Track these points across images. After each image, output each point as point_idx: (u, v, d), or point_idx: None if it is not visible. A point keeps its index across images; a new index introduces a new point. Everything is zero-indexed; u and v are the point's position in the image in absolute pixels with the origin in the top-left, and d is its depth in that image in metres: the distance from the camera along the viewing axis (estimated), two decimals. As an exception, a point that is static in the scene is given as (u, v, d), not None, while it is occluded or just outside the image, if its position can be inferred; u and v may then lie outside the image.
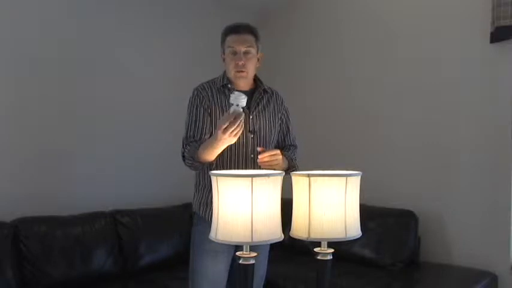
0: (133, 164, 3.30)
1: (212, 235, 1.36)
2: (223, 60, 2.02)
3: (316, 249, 1.49)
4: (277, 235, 1.36)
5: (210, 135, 1.90)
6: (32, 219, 2.60)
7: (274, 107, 2.09)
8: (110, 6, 3.21)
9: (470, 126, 2.93)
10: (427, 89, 3.13)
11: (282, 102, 2.14)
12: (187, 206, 3.06)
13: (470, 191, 2.92)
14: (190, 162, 1.91)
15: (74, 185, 3.02)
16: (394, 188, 3.25)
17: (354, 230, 1.46)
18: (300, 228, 1.46)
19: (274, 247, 1.75)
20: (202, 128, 1.96)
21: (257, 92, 2.04)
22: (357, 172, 1.48)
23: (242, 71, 1.95)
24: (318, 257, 1.48)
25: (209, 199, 1.97)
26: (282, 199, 1.38)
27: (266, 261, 2.12)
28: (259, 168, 1.86)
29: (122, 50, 3.27)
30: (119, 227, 2.92)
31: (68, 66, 3.01)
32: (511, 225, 2.79)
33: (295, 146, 2.18)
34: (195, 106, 1.99)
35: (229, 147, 1.93)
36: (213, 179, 1.36)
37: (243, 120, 1.71)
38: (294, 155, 2.14)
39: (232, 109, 1.71)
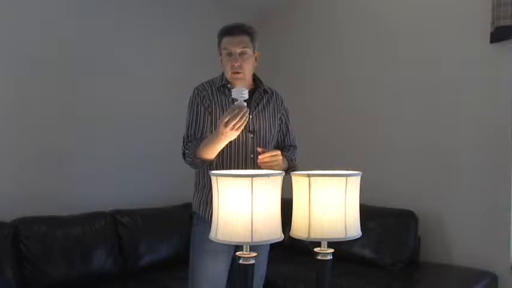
0: (133, 164, 3.30)
1: (212, 235, 1.36)
2: (221, 61, 2.02)
3: (316, 249, 1.48)
4: (277, 235, 1.36)
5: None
6: (32, 219, 2.60)
7: (274, 107, 2.09)
8: (110, 6, 3.21)
9: (470, 126, 2.93)
10: (427, 89, 3.13)
11: (281, 103, 2.14)
12: (187, 206, 3.06)
13: (470, 191, 2.92)
14: (190, 160, 1.91)
15: (74, 185, 3.02)
16: (394, 188, 3.25)
17: (354, 230, 1.46)
18: (300, 228, 1.46)
19: (274, 247, 1.75)
20: (203, 127, 1.96)
21: (257, 92, 2.04)
22: (357, 172, 1.48)
23: (238, 72, 1.95)
24: (318, 257, 1.48)
25: (209, 198, 1.97)
26: (282, 199, 1.38)
27: (266, 261, 2.12)
28: (259, 168, 1.86)
29: (122, 50, 3.27)
30: (119, 227, 2.92)
31: (68, 66, 3.01)
32: (511, 225, 2.79)
33: (294, 147, 2.18)
34: (195, 105, 1.99)
35: (229, 147, 1.93)
36: (213, 179, 1.36)
37: (247, 114, 1.70)
38: (294, 155, 2.14)
39: (235, 104, 1.71)
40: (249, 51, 1.96)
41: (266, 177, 1.32)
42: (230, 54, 1.95)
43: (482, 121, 2.89)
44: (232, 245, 1.81)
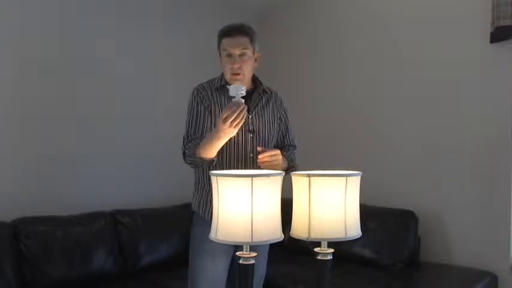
0: (133, 164, 3.30)
1: (212, 235, 1.37)
2: (221, 62, 2.02)
3: (316, 249, 1.49)
4: (277, 235, 1.36)
5: None
6: (32, 219, 2.60)
7: (273, 107, 2.09)
8: (110, 6, 3.21)
9: (470, 126, 2.93)
10: (427, 89, 3.13)
11: (281, 103, 2.15)
12: (187, 206, 3.04)
13: (470, 191, 2.92)
14: (190, 159, 1.91)
15: (74, 185, 3.02)
16: (394, 188, 3.25)
17: (354, 230, 1.46)
18: (300, 228, 1.46)
19: (274, 247, 1.75)
20: (203, 126, 1.96)
21: (256, 92, 2.05)
22: (357, 172, 1.48)
23: (238, 74, 1.95)
24: (318, 257, 1.48)
25: (208, 198, 1.97)
26: (282, 199, 1.38)
27: (266, 261, 2.12)
28: (259, 168, 1.86)
29: (122, 50, 3.27)
30: (119, 227, 2.92)
31: (68, 66, 3.01)
32: (511, 225, 2.79)
33: (294, 146, 2.18)
34: (195, 104, 2.00)
35: (229, 146, 1.93)
36: (213, 179, 1.36)
37: (245, 111, 1.69)
38: (294, 155, 2.15)
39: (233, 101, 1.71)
40: (249, 52, 1.96)
41: (266, 177, 1.32)
42: (230, 55, 1.95)
43: (482, 121, 2.88)
44: (232, 245, 1.81)
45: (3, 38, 2.73)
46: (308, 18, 3.85)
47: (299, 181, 1.47)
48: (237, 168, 1.95)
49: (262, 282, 2.14)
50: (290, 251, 3.11)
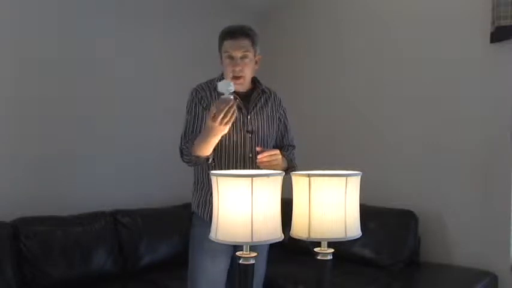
0: (134, 164, 3.30)
1: (212, 235, 1.37)
2: (221, 64, 2.02)
3: (316, 249, 1.49)
4: (277, 235, 1.36)
5: None
6: (32, 219, 2.61)
7: (272, 107, 2.10)
8: (110, 6, 3.21)
9: (470, 126, 2.93)
10: (427, 89, 3.13)
11: (280, 102, 2.15)
12: (187, 206, 3.03)
13: (470, 191, 2.92)
14: (187, 158, 1.91)
15: (74, 185, 3.02)
16: (394, 188, 3.25)
17: (354, 230, 1.46)
18: (300, 228, 1.46)
19: (274, 247, 1.75)
20: (200, 126, 1.96)
21: (255, 92, 2.05)
22: (357, 172, 1.48)
23: (239, 77, 1.95)
24: (318, 257, 1.48)
25: (207, 198, 1.98)
26: (282, 199, 1.38)
27: (265, 261, 2.12)
28: (258, 168, 1.86)
29: (122, 50, 3.27)
30: (119, 227, 2.92)
31: (68, 66, 3.01)
32: (511, 225, 2.79)
33: (293, 146, 2.18)
34: (193, 104, 2.00)
35: (228, 146, 1.94)
36: (213, 179, 1.36)
37: (235, 108, 1.67)
38: (293, 155, 2.15)
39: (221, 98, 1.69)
40: (250, 55, 1.97)
41: (266, 177, 1.32)
42: (231, 58, 1.95)
43: (482, 121, 2.88)
44: (231, 245, 1.81)
45: (3, 38, 2.73)
46: (308, 18, 3.85)
47: (299, 181, 1.47)
48: (236, 168, 1.95)
49: (262, 282, 2.13)
50: (290, 251, 3.11)
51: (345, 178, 1.43)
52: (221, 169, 1.93)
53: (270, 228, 1.33)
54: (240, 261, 1.36)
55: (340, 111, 3.60)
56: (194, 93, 2.02)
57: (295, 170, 1.76)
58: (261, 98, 2.07)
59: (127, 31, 3.30)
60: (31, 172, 2.83)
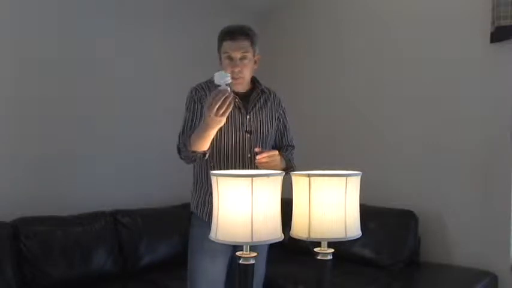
0: (134, 164, 3.30)
1: (212, 235, 1.36)
2: (221, 64, 2.02)
3: (316, 249, 1.49)
4: (277, 235, 1.36)
5: None
6: (32, 219, 2.61)
7: (271, 107, 2.10)
8: (110, 6, 3.21)
9: (470, 126, 2.93)
10: (427, 89, 3.13)
11: (279, 102, 2.15)
12: (187, 206, 3.03)
13: (470, 191, 2.92)
14: (184, 154, 1.90)
15: (74, 185, 3.02)
16: (394, 188, 3.25)
17: (354, 230, 1.46)
18: (300, 228, 1.46)
19: (274, 247, 1.75)
20: (199, 124, 1.95)
21: (254, 92, 2.05)
22: (357, 172, 1.48)
23: (239, 78, 1.95)
24: (318, 257, 1.48)
25: (206, 198, 1.98)
26: (282, 199, 1.38)
27: (265, 261, 2.12)
28: (257, 168, 1.86)
29: (122, 50, 3.27)
30: (119, 227, 2.92)
31: (68, 66, 3.01)
32: (511, 225, 2.79)
33: (292, 146, 2.18)
34: (192, 103, 2.00)
35: (226, 147, 1.94)
36: (213, 179, 1.36)
37: (231, 98, 1.65)
38: (292, 155, 2.15)
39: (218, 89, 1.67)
40: (250, 55, 1.96)
41: (266, 177, 1.32)
42: (231, 58, 1.95)
43: (482, 121, 2.88)
44: (231, 245, 1.81)
45: (3, 38, 2.73)
46: (308, 18, 3.85)
47: (299, 181, 1.47)
48: (235, 168, 1.95)
49: (262, 282, 2.13)
50: (290, 251, 3.11)
51: (345, 178, 1.43)
52: (220, 169, 1.93)
53: (270, 228, 1.33)
54: (240, 261, 1.36)
55: (340, 111, 3.60)
56: (193, 92, 2.02)
57: (294, 171, 1.76)
58: (260, 98, 2.07)
59: (127, 31, 3.30)
60: (31, 172, 2.83)
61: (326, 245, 1.48)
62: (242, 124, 1.98)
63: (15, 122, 2.78)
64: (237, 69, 1.93)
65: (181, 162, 1.99)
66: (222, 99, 1.62)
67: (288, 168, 1.98)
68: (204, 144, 1.82)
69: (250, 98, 2.03)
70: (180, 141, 1.93)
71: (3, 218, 2.54)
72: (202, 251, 1.96)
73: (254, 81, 2.09)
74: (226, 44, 1.95)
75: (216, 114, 1.64)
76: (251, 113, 2.01)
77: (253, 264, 1.36)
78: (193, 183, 2.09)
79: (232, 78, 1.92)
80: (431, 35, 3.10)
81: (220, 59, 2.02)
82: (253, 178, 1.29)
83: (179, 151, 1.95)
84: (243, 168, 1.95)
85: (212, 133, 1.77)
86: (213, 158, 1.95)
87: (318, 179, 1.42)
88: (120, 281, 2.76)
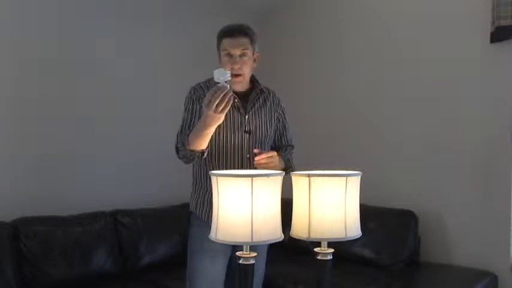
0: (134, 164, 3.30)
1: (212, 235, 1.36)
2: (220, 62, 2.02)
3: (316, 249, 1.48)
4: (277, 235, 1.36)
5: None
6: (32, 219, 2.61)
7: (270, 106, 2.09)
8: (110, 6, 3.21)
9: (470, 126, 2.93)
10: (427, 89, 3.13)
11: (278, 102, 2.14)
12: (186, 206, 3.05)
13: (470, 191, 2.92)
14: (182, 153, 1.89)
15: (74, 185, 3.02)
16: (394, 188, 3.25)
17: (354, 230, 1.46)
18: (300, 228, 1.46)
19: (274, 247, 1.75)
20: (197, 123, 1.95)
21: (254, 92, 2.05)
22: (357, 172, 1.48)
23: (238, 75, 1.95)
24: (318, 257, 1.48)
25: (205, 198, 1.98)
26: (282, 199, 1.38)
27: (265, 261, 2.12)
28: (255, 168, 1.86)
29: (122, 50, 3.27)
30: (119, 227, 2.92)
31: (68, 66, 3.01)
32: (511, 225, 2.79)
33: (292, 146, 2.18)
34: (191, 103, 2.00)
35: (225, 147, 1.93)
36: (213, 179, 1.36)
37: (230, 95, 1.65)
38: (291, 155, 2.15)
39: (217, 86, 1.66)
40: (249, 53, 1.97)
41: (266, 177, 1.32)
42: (230, 55, 1.95)
43: (482, 121, 2.88)
44: (230, 245, 1.81)
45: (3, 38, 2.73)
46: (308, 18, 3.85)
47: (299, 181, 1.47)
48: (234, 168, 1.94)
49: (261, 282, 2.14)
50: (290, 251, 3.11)
51: (345, 178, 1.43)
52: (218, 169, 1.92)
53: (270, 228, 1.33)
54: (240, 261, 1.36)
55: (340, 111, 3.60)
56: (192, 92, 2.02)
57: (293, 171, 1.76)
58: (259, 97, 2.06)
59: (127, 31, 3.30)
60: (31, 172, 2.83)
61: (326, 245, 1.48)
62: (241, 124, 1.98)
63: (15, 122, 2.78)
64: (236, 66, 1.93)
65: (181, 162, 1.98)
66: (222, 95, 1.62)
67: (287, 169, 1.98)
68: (203, 143, 1.81)
69: (249, 97, 2.03)
70: (179, 141, 1.93)
71: (3, 218, 2.54)
72: (201, 251, 1.96)
73: (253, 80, 2.09)
74: (226, 41, 1.95)
75: (215, 111, 1.63)
76: (250, 112, 2.01)
77: (253, 264, 1.36)
78: (193, 183, 2.09)
79: (232, 75, 1.92)
80: (431, 35, 3.10)
81: (219, 56, 2.02)
82: (253, 178, 1.29)
83: (177, 151, 1.94)
84: (242, 168, 1.95)
85: (211, 131, 1.77)
86: (211, 158, 1.95)
87: (318, 179, 1.42)
88: (120, 281, 2.76)
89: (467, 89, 2.95)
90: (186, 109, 2.01)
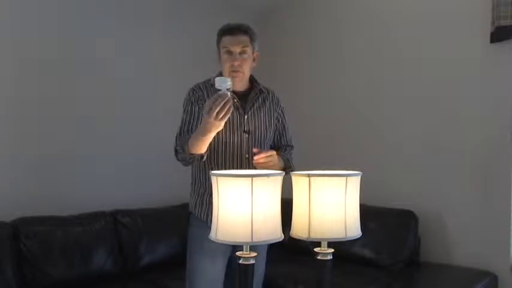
0: (134, 164, 3.30)
1: (212, 235, 1.36)
2: (219, 59, 2.02)
3: (316, 249, 1.48)
4: (277, 235, 1.36)
5: None
6: (32, 219, 2.61)
7: (269, 106, 2.09)
8: (110, 6, 3.21)
9: (470, 126, 2.93)
10: (427, 89, 3.13)
11: (278, 102, 2.14)
12: (186, 206, 3.05)
13: (470, 191, 2.92)
14: (181, 155, 1.90)
15: (74, 185, 3.02)
16: (394, 188, 3.25)
17: (354, 230, 1.46)
18: (300, 228, 1.46)
19: (274, 247, 1.74)
20: (196, 125, 1.95)
21: (253, 92, 2.05)
22: (357, 172, 1.48)
23: (238, 71, 1.95)
24: (318, 257, 1.48)
25: (204, 199, 1.98)
26: (282, 199, 1.38)
27: (264, 260, 2.12)
28: (254, 168, 1.86)
29: (122, 50, 3.28)
30: (119, 227, 2.92)
31: (68, 66, 3.01)
32: (511, 225, 2.79)
33: (291, 146, 2.18)
34: (190, 104, 2.00)
35: (224, 147, 1.93)
36: (213, 179, 1.36)
37: (231, 103, 1.65)
38: (290, 155, 2.14)
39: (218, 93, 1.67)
40: (249, 51, 1.97)
41: (266, 177, 1.32)
42: (230, 53, 1.95)
43: (482, 121, 2.88)
44: (229, 245, 1.81)
45: (3, 38, 2.73)
46: (308, 18, 3.85)
47: (299, 181, 1.47)
48: (232, 168, 1.94)
49: (261, 282, 2.13)
50: (290, 251, 3.11)
51: (345, 178, 1.43)
52: (217, 169, 1.93)
53: (270, 228, 1.33)
54: (240, 261, 1.36)
55: (340, 111, 3.60)
56: (191, 93, 2.02)
57: (292, 171, 1.76)
58: (258, 97, 2.06)
59: (127, 31, 3.30)
60: (31, 172, 2.83)
61: (326, 245, 1.48)
62: (240, 124, 1.98)
63: (15, 122, 2.78)
64: (236, 63, 1.93)
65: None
66: (222, 103, 1.62)
67: (287, 168, 1.98)
68: (202, 147, 1.82)
69: (249, 97, 2.03)
70: (178, 144, 1.93)
71: (3, 218, 2.54)
72: (200, 251, 1.96)
73: (252, 80, 2.09)
74: (226, 39, 1.96)
75: (216, 119, 1.64)
76: (249, 112, 2.01)
77: (253, 264, 1.36)
78: (192, 183, 2.09)
79: (232, 72, 1.93)
80: (431, 35, 3.10)
81: (219, 54, 2.02)
82: (253, 178, 1.29)
83: (176, 153, 1.95)
84: (241, 168, 1.95)
85: (210, 136, 1.77)
86: (210, 158, 1.95)
87: (318, 179, 1.42)
88: (120, 281, 2.76)
89: (467, 89, 2.95)
90: (184, 111, 2.02)
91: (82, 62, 3.07)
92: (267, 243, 1.34)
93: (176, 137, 1.98)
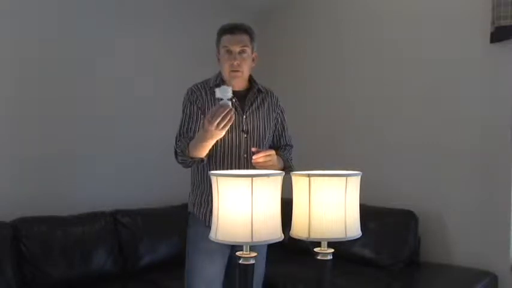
0: (133, 164, 3.30)
1: (212, 235, 1.36)
2: (218, 60, 2.02)
3: (316, 249, 1.48)
4: (277, 235, 1.36)
5: None
6: (32, 219, 2.61)
7: (268, 106, 2.09)
8: (110, 6, 3.21)
9: (470, 126, 2.93)
10: (427, 89, 3.13)
11: (277, 102, 2.14)
12: (186, 206, 3.06)
13: (470, 191, 2.92)
14: (181, 158, 1.91)
15: (74, 185, 3.02)
16: (394, 188, 3.25)
17: (354, 230, 1.46)
18: (300, 228, 1.46)
19: (274, 247, 1.74)
20: (195, 126, 1.96)
21: (251, 92, 2.05)
22: (357, 172, 1.48)
23: (237, 71, 1.95)
24: (318, 257, 1.48)
25: (203, 198, 1.98)
26: (282, 199, 1.38)
27: (264, 260, 2.12)
28: (253, 168, 1.86)
29: (122, 50, 3.28)
30: (119, 227, 2.92)
31: (68, 66, 3.01)
32: (511, 225, 2.79)
33: (290, 146, 2.18)
34: (188, 104, 2.00)
35: (223, 147, 1.94)
36: (213, 179, 1.36)
37: (232, 113, 1.68)
38: (290, 155, 2.14)
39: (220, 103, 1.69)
40: (248, 50, 1.97)
41: (266, 177, 1.32)
42: (230, 52, 1.95)
43: (482, 121, 2.88)
44: (228, 245, 1.81)
45: (3, 38, 2.73)
46: (308, 18, 3.85)
47: (299, 181, 1.47)
48: (231, 168, 1.94)
49: (261, 282, 2.13)
50: (290, 251, 3.11)
51: (345, 178, 1.43)
52: (215, 169, 1.93)
53: (270, 228, 1.33)
54: (240, 261, 1.36)
55: (340, 111, 3.60)
56: (190, 93, 2.02)
57: (292, 170, 1.76)
58: (257, 97, 2.06)
59: (127, 31, 3.30)
60: (31, 172, 2.83)
61: (326, 245, 1.48)
62: (238, 124, 1.98)
63: (15, 122, 2.78)
64: (235, 62, 1.94)
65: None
66: (223, 114, 1.64)
67: (286, 168, 1.98)
68: (203, 152, 1.84)
69: (247, 97, 2.03)
70: (178, 147, 1.94)
71: (3, 218, 2.54)
72: (199, 251, 1.96)
73: (251, 80, 2.09)
74: (226, 38, 1.96)
75: (216, 128, 1.67)
76: (247, 112, 2.01)
77: (253, 264, 1.36)
78: (191, 183, 2.09)
79: (231, 71, 1.93)
80: (431, 35, 3.10)
81: (218, 53, 2.02)
82: (253, 178, 1.29)
83: (176, 155, 1.95)
84: (239, 168, 1.95)
85: (211, 143, 1.80)
86: (209, 158, 1.95)
87: (318, 179, 1.42)
88: (120, 281, 2.76)
89: (467, 89, 2.95)
90: (183, 112, 2.02)
91: (82, 62, 3.07)
92: (267, 243, 1.34)
93: (176, 137, 1.99)
